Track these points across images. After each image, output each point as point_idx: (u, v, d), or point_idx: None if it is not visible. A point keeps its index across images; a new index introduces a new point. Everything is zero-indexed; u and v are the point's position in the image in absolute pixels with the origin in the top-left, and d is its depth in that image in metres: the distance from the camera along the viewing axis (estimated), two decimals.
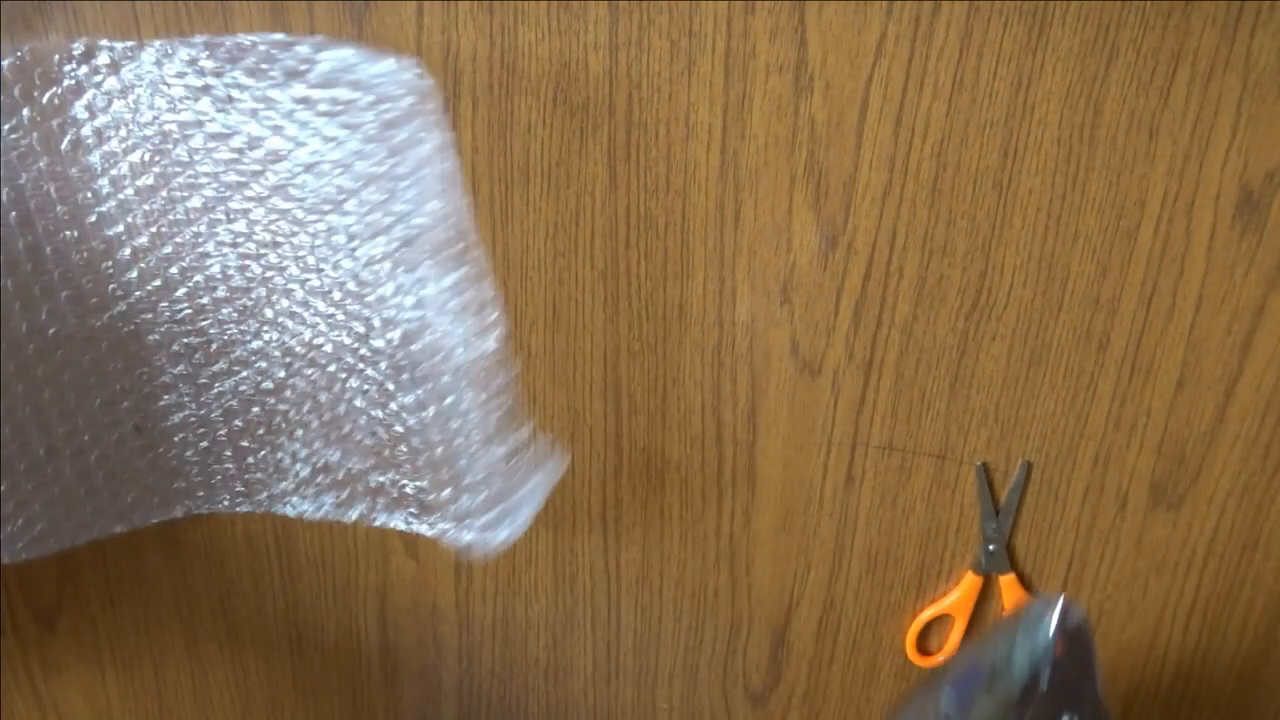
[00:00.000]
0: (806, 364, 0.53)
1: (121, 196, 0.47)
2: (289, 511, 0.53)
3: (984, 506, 0.55)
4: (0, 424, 0.47)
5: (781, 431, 0.55)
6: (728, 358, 0.53)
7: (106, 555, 0.60)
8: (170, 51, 0.45)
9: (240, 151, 0.46)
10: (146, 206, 0.47)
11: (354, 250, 0.46)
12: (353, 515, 0.52)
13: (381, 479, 0.51)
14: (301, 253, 0.47)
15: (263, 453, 0.52)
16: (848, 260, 0.51)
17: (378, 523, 0.52)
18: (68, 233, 0.47)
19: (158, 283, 0.49)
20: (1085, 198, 0.49)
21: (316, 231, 0.46)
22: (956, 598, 0.57)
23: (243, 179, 0.46)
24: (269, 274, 0.48)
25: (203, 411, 0.51)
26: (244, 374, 0.50)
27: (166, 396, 0.51)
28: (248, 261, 0.48)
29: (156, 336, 0.50)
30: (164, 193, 0.47)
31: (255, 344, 0.49)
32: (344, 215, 0.46)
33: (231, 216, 0.47)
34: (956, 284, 0.51)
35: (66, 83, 0.46)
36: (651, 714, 0.62)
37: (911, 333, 0.52)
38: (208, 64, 0.44)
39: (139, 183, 0.47)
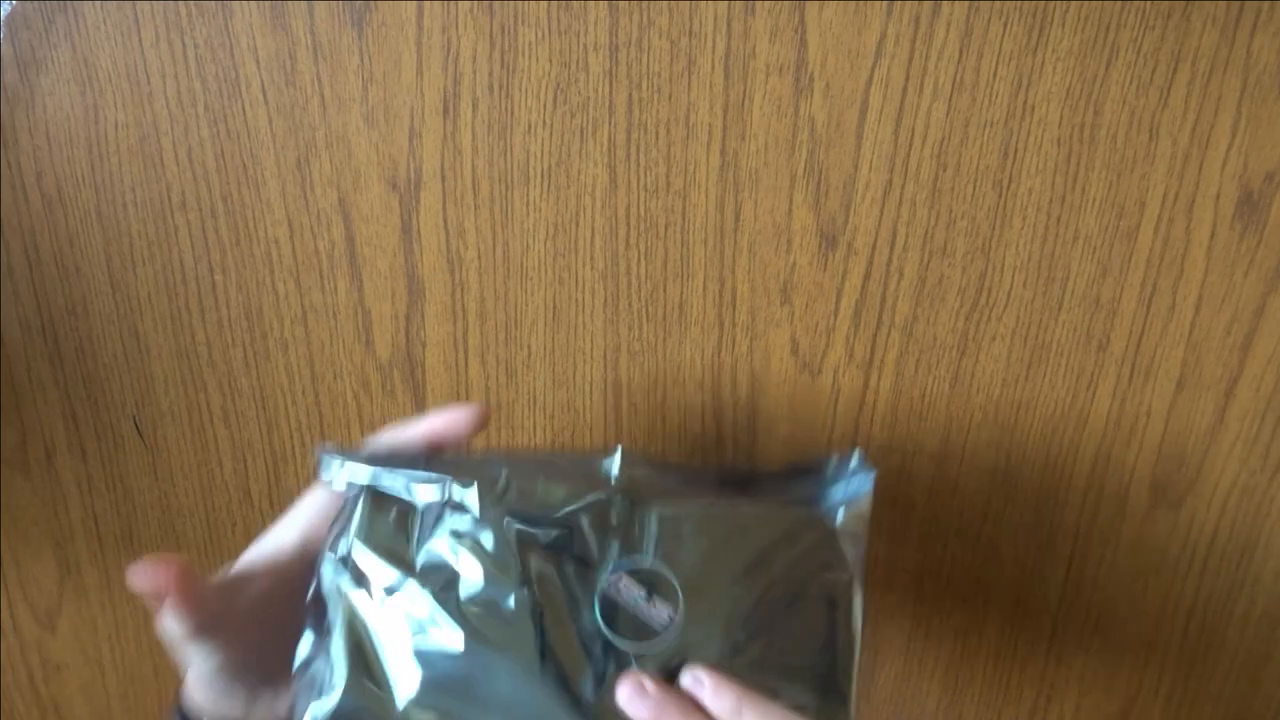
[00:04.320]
0: (806, 364, 0.53)
1: None
2: None
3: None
4: None
5: (781, 431, 0.55)
6: (728, 358, 0.53)
7: (106, 555, 0.60)
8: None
9: None
10: None
11: None
12: None
13: None
14: None
15: None
16: (848, 260, 0.51)
17: None
18: None
19: None
20: (1085, 198, 0.49)
21: None
22: None
23: None
24: None
25: None
26: None
27: None
28: None
29: None
30: None
31: None
32: None
33: None
34: (956, 284, 0.51)
35: None
36: None
37: (911, 333, 0.52)
38: None
39: None
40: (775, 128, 0.48)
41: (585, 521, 0.40)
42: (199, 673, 0.41)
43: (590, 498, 0.41)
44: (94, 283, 0.54)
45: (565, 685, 0.39)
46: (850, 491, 0.45)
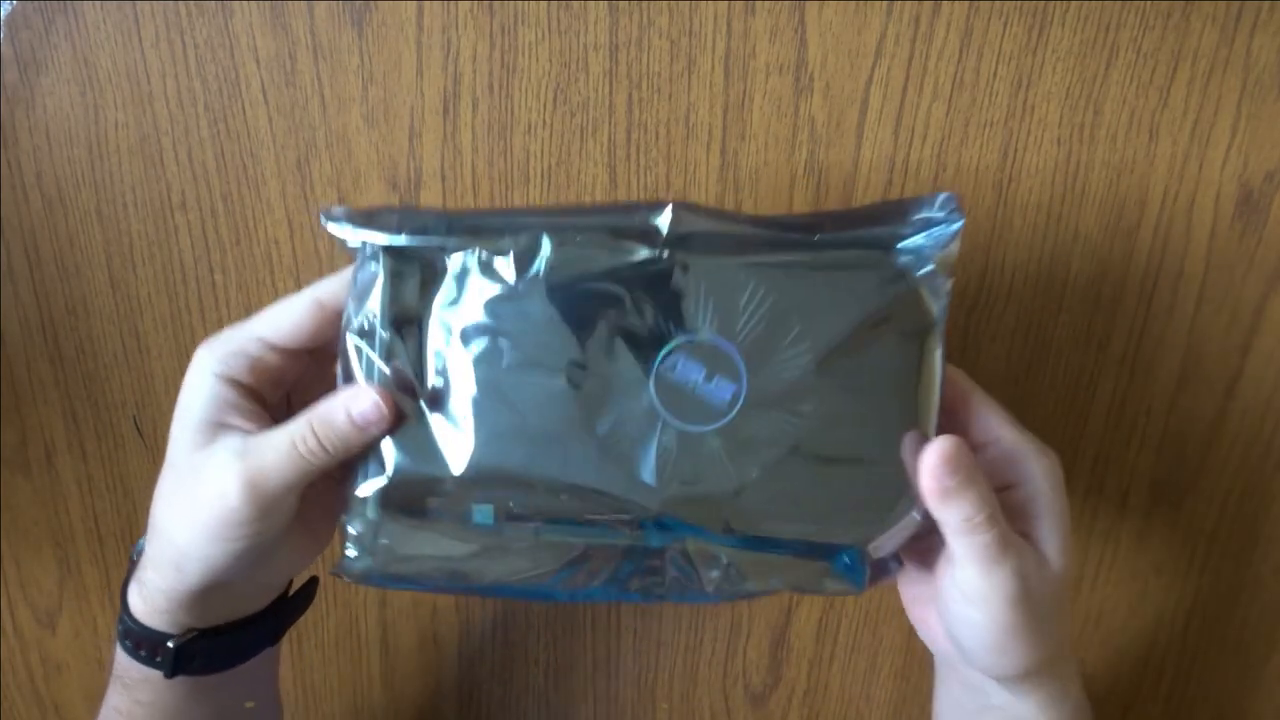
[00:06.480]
0: None
1: None
2: None
3: None
4: None
5: None
6: None
7: (106, 555, 0.60)
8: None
9: None
10: None
11: None
12: None
13: None
14: None
15: None
16: None
17: None
18: None
19: None
20: (1085, 197, 0.49)
21: None
22: None
23: None
24: None
25: None
26: None
27: None
28: None
29: None
30: None
31: None
32: None
33: None
34: (956, 284, 0.51)
35: None
36: (651, 714, 0.62)
37: None
38: None
39: None
40: (775, 128, 0.48)
41: (634, 289, 0.37)
42: (236, 554, 0.38)
43: (639, 255, 0.37)
44: (94, 283, 0.54)
45: (622, 469, 0.38)
46: (934, 238, 0.39)
